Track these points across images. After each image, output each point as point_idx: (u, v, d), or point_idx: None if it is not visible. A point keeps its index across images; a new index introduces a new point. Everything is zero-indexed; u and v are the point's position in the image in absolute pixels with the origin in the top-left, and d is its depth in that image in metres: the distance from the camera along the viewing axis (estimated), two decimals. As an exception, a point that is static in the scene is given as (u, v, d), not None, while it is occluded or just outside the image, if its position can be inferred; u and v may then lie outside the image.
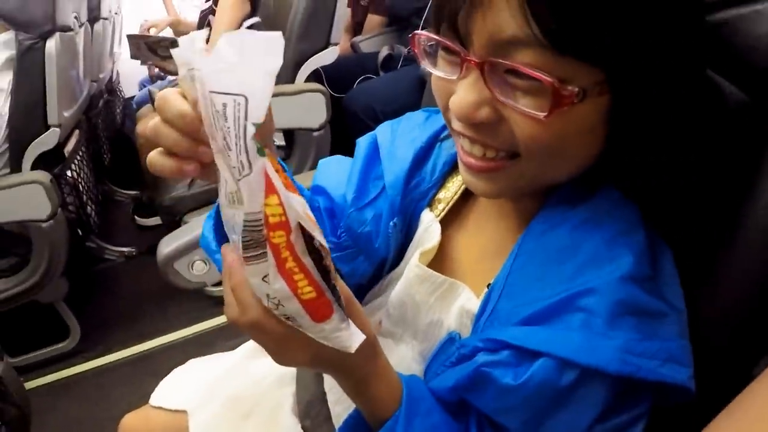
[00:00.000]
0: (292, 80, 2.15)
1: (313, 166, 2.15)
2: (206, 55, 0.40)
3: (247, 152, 0.40)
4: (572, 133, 0.52)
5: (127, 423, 1.00)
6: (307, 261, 0.45)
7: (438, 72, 0.58)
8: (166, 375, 1.02)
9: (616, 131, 0.54)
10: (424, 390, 0.60)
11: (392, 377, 0.59)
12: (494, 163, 0.57)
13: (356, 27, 3.32)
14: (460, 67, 0.54)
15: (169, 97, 0.48)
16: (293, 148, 2.21)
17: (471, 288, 0.64)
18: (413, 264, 0.67)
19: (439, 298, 0.66)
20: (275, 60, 0.38)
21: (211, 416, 0.87)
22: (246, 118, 0.38)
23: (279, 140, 2.36)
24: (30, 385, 2.06)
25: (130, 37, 2.82)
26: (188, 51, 0.42)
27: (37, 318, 2.15)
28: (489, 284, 0.60)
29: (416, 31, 0.59)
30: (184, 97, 0.47)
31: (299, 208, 0.43)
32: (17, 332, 2.06)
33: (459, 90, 0.54)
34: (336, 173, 0.78)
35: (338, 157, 0.83)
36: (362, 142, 0.78)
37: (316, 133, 2.12)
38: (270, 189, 0.41)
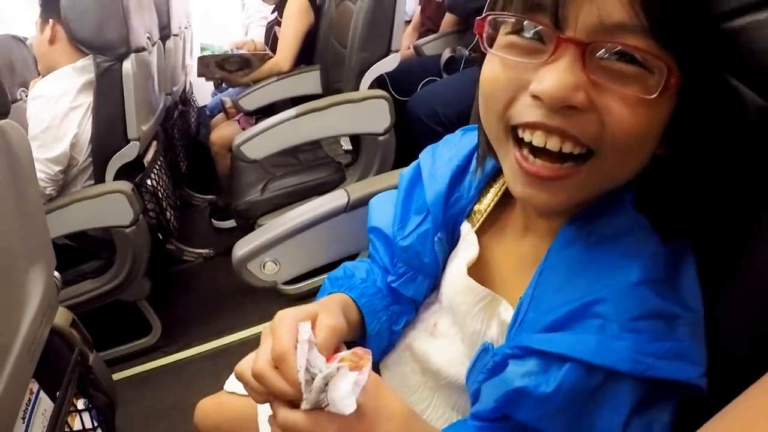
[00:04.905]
0: (356, 87, 2.20)
1: (379, 170, 2.20)
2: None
3: None
4: (653, 131, 0.53)
5: (203, 406, 1.08)
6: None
7: (513, 58, 0.55)
8: (241, 368, 1.10)
9: (670, 136, 0.55)
10: None
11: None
12: (563, 171, 0.55)
13: (427, 23, 3.33)
14: (550, 51, 0.52)
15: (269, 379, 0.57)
16: (359, 153, 2.26)
17: (509, 299, 0.66)
18: (462, 275, 0.70)
19: (481, 309, 0.68)
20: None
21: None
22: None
23: (346, 144, 2.42)
24: (116, 376, 2.15)
25: (201, 57, 2.88)
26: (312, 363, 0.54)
27: (122, 315, 2.27)
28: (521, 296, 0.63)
29: (494, 12, 0.58)
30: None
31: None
32: (104, 329, 2.12)
33: (549, 73, 0.51)
34: (386, 210, 0.82)
35: (387, 193, 0.86)
36: (404, 174, 0.81)
37: (381, 138, 2.17)
38: None
